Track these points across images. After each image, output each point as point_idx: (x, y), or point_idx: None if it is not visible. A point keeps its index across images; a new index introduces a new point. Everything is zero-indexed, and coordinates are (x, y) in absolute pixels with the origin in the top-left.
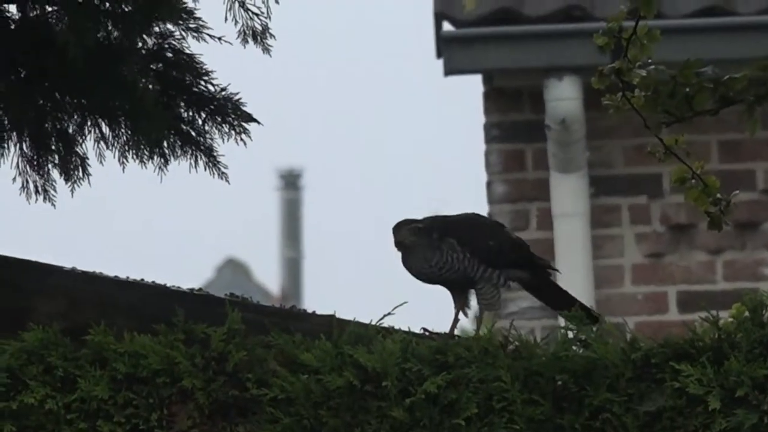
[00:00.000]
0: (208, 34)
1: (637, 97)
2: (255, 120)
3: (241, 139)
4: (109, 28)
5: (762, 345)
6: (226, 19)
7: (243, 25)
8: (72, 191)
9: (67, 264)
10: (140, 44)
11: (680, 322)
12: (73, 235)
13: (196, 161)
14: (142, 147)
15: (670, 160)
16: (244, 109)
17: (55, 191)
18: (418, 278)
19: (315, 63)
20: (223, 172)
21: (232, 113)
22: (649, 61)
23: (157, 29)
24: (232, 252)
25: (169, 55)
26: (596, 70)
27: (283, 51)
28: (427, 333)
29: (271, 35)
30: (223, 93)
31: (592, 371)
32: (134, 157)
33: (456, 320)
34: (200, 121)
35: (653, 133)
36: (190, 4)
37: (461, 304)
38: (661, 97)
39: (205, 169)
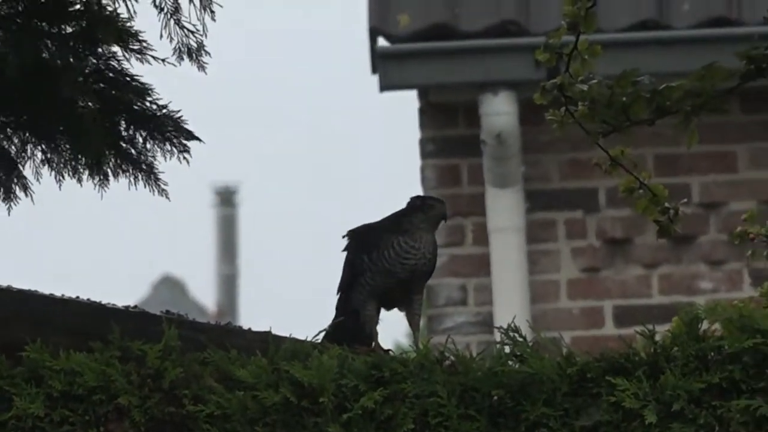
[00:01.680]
0: (151, 55)
1: (580, 111)
2: (197, 138)
3: (183, 157)
4: (50, 47)
5: (698, 359)
6: (161, 36)
7: (178, 42)
8: (9, 210)
9: (2, 282)
10: (81, 64)
11: (616, 336)
12: (6, 254)
13: (135, 179)
14: (81, 165)
15: (617, 172)
16: (186, 126)
17: None
18: (414, 257)
19: (249, 79)
20: (163, 189)
21: (173, 131)
22: (591, 75)
23: (99, 50)
24: (167, 269)
25: (110, 75)
26: (539, 86)
27: (217, 66)
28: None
29: (206, 52)
30: (164, 111)
31: (529, 386)
32: (71, 175)
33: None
34: (141, 140)
35: (594, 141)
36: (135, 27)
37: (377, 323)
38: (599, 108)
39: (145, 187)
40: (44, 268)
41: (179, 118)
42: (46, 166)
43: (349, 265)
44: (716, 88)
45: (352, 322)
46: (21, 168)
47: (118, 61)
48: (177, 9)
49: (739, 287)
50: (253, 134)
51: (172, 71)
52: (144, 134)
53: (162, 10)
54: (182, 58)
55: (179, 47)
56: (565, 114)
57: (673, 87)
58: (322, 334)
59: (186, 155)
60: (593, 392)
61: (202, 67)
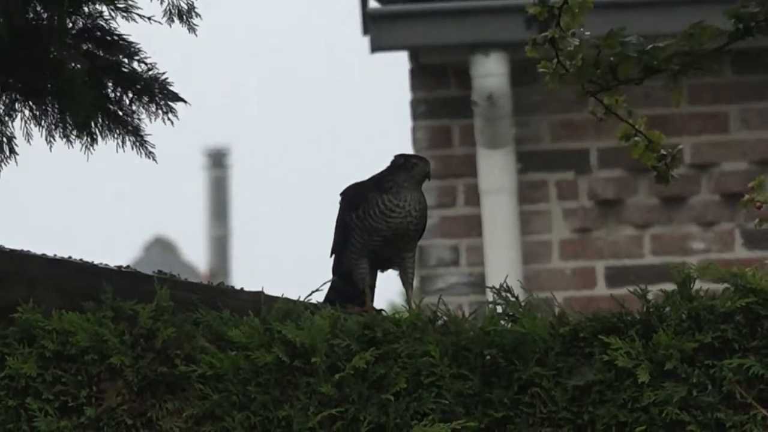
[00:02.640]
0: (137, 14)
1: (571, 73)
2: (182, 99)
3: (168, 119)
4: (38, 8)
5: (690, 318)
6: None
7: (169, 3)
8: None
9: None
10: (69, 24)
11: (608, 296)
12: None
13: (123, 141)
14: (70, 126)
15: (612, 121)
16: (171, 88)
17: None
18: (399, 215)
19: (241, 40)
20: (150, 152)
21: (159, 93)
22: (582, 29)
23: (86, 9)
24: (159, 230)
25: (98, 34)
26: (530, 39)
27: (209, 28)
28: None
29: (197, 14)
30: (150, 73)
31: (521, 346)
32: (61, 136)
33: (372, 294)
34: (127, 101)
35: (579, 101)
36: None
37: (371, 280)
38: (586, 67)
39: (132, 149)
40: (35, 229)
41: (165, 80)
42: (36, 127)
43: (339, 225)
44: (704, 47)
45: (346, 283)
46: (11, 127)
47: (105, 20)
48: None
49: (730, 248)
50: (245, 95)
51: (165, 32)
52: (131, 96)
53: None
54: (173, 20)
55: (170, 8)
56: (557, 66)
57: (661, 47)
58: (314, 293)
59: (171, 116)
60: (586, 351)
61: (192, 28)
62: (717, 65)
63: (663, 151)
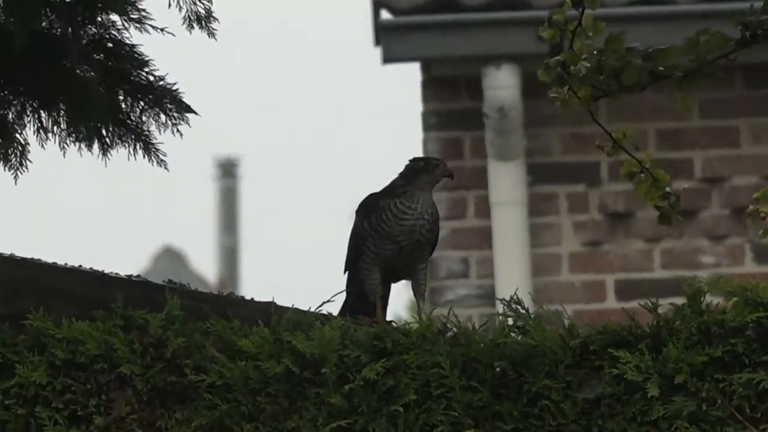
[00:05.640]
0: (150, 25)
1: (583, 91)
2: (192, 111)
3: (178, 130)
4: (51, 17)
5: (700, 332)
6: (169, 5)
7: (187, 10)
8: (15, 178)
9: (6, 250)
10: (82, 34)
11: (618, 310)
12: (9, 222)
13: (134, 149)
14: (82, 135)
15: (618, 154)
16: (182, 99)
17: None
18: (411, 218)
19: (253, 51)
20: (161, 160)
21: (169, 103)
22: (595, 52)
23: (99, 19)
24: (168, 241)
25: (110, 45)
26: (542, 62)
27: (221, 39)
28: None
29: (215, 19)
30: (162, 83)
31: (531, 358)
32: (75, 143)
33: (385, 306)
34: (138, 111)
35: (589, 107)
36: None
37: (383, 292)
38: (590, 72)
39: (144, 157)
40: (47, 237)
41: (176, 90)
42: (48, 136)
43: (353, 237)
44: (710, 55)
45: (360, 301)
46: (22, 135)
47: (118, 30)
48: None
49: (740, 262)
50: (256, 106)
51: (178, 43)
52: (142, 105)
53: None
54: (192, 26)
55: (189, 15)
56: (568, 91)
57: (665, 50)
58: (325, 304)
59: (180, 127)
60: (596, 365)
61: (212, 33)
62: (722, 72)
63: (668, 189)
